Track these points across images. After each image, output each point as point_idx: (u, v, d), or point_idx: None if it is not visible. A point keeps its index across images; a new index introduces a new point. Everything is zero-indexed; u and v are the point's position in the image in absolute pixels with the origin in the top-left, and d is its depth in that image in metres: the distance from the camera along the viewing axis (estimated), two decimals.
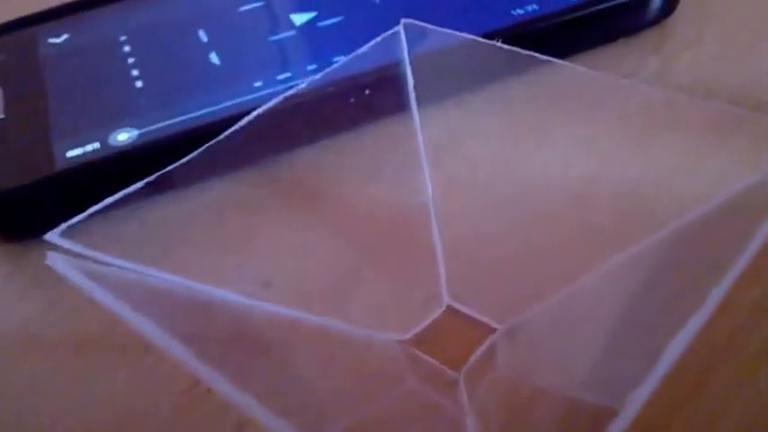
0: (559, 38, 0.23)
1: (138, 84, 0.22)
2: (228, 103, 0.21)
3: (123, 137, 0.20)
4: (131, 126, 0.21)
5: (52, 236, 0.14)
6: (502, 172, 0.19)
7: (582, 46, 0.23)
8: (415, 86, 0.19)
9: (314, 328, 0.16)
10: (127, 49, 0.24)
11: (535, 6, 0.23)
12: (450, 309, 0.17)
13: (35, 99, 0.22)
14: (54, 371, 0.17)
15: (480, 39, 0.18)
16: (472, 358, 0.15)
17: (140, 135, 0.20)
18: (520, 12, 0.23)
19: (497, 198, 0.19)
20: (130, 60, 0.23)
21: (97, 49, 0.24)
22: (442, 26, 0.22)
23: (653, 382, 0.10)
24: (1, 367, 0.18)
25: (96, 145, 0.20)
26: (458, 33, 0.18)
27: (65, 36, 0.25)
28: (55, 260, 0.14)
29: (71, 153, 0.20)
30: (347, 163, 0.21)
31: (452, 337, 0.16)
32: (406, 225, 0.18)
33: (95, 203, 0.19)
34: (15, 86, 0.23)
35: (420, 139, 0.19)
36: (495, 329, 0.16)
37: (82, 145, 0.20)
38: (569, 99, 0.19)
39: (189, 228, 0.20)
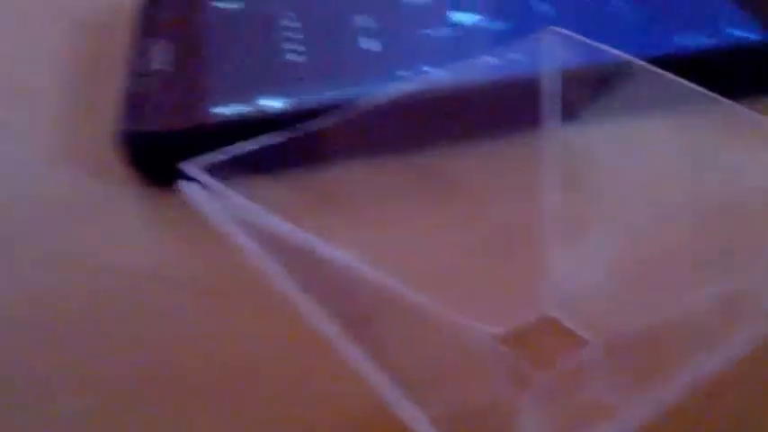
0: (725, 75, 0.22)
1: (293, 56, 0.23)
2: (374, 88, 0.22)
3: (272, 103, 0.22)
4: (281, 95, 0.22)
5: (187, 166, 0.15)
6: (626, 196, 0.19)
7: (748, 89, 0.22)
8: (557, 99, 0.19)
9: (415, 306, 0.16)
10: (288, 22, 0.25)
11: (703, 37, 0.22)
12: (548, 317, 0.17)
13: (196, 56, 0.24)
14: (181, 308, 0.18)
15: (631, 57, 0.18)
16: (559, 365, 0.15)
17: (288, 104, 0.22)
18: (683, 41, 0.22)
19: (616, 219, 0.19)
20: (289, 33, 0.24)
21: (261, 18, 0.25)
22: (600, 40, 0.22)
23: None
24: (133, 302, 0.19)
25: (246, 107, 0.22)
26: (605, 47, 0.18)
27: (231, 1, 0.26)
28: (188, 188, 0.15)
29: (222, 110, 0.22)
30: (480, 164, 0.21)
31: (544, 343, 0.16)
32: (523, 228, 0.19)
33: None
34: (184, 43, 0.25)
35: (554, 150, 0.19)
36: (587, 342, 0.16)
37: (233, 104, 0.22)
38: (722, 135, 0.18)
39: (315, 201, 0.20)
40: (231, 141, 0.21)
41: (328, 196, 0.21)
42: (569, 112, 0.20)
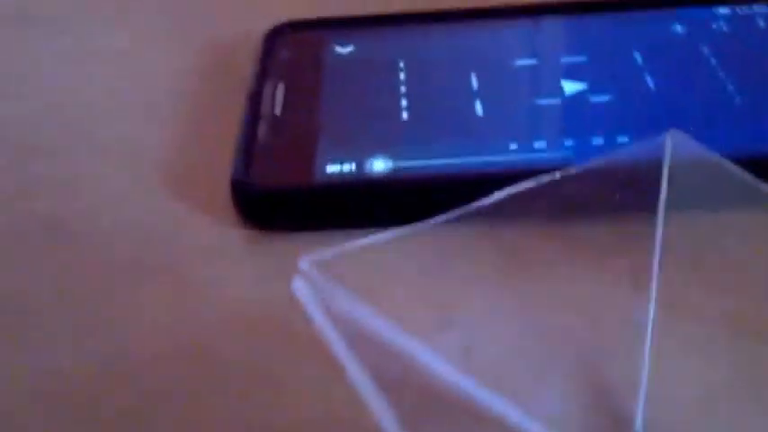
0: None
1: (404, 115, 0.24)
2: (482, 159, 0.22)
3: (379, 165, 0.22)
4: (389, 156, 0.22)
5: (303, 263, 0.16)
6: (734, 303, 0.19)
7: None
8: (667, 196, 0.19)
9: (496, 414, 0.16)
10: (402, 76, 0.25)
11: None
12: None
13: (310, 104, 0.24)
14: (268, 355, 0.19)
15: (744, 172, 0.18)
16: None
17: (395, 168, 0.22)
18: None
19: (720, 332, 0.18)
20: (402, 89, 0.25)
21: (375, 69, 0.26)
22: (710, 132, 0.21)
23: None
24: (225, 343, 0.20)
25: (353, 167, 0.22)
26: (723, 159, 0.18)
27: (350, 48, 0.27)
28: (299, 287, 0.16)
29: (330, 169, 0.22)
30: (578, 248, 0.21)
31: None
32: (617, 334, 0.19)
33: (338, 220, 0.20)
34: (296, 86, 0.25)
35: (658, 249, 0.19)
36: None
37: (341, 163, 0.22)
38: None
39: (413, 269, 0.21)
40: (336, 204, 0.22)
41: (440, 297, 0.21)
42: (674, 206, 0.20)
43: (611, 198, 0.21)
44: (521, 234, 0.21)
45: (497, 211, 0.19)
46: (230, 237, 0.22)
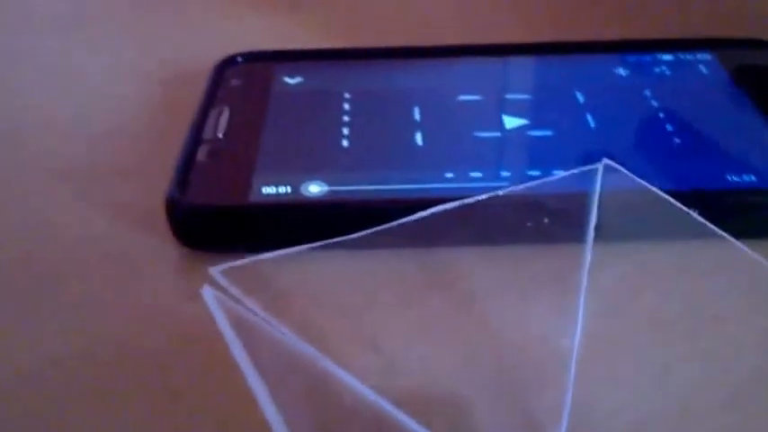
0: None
1: (344, 143, 0.24)
2: (417, 186, 0.22)
3: (314, 189, 0.22)
4: (324, 181, 0.22)
5: (214, 271, 0.16)
6: (660, 338, 0.19)
7: None
8: (596, 226, 0.19)
9: None
10: (346, 106, 0.25)
11: (753, 178, 0.22)
12: None
13: (253, 129, 0.24)
14: (191, 377, 0.19)
15: (674, 202, 0.18)
16: None
17: (330, 191, 0.22)
18: (735, 179, 0.22)
19: (647, 366, 0.18)
20: (345, 118, 0.25)
21: (320, 100, 0.26)
22: (646, 168, 0.22)
23: None
24: (150, 366, 0.19)
25: (288, 189, 0.22)
26: (655, 190, 0.18)
27: (298, 79, 0.27)
28: (207, 294, 0.15)
29: (266, 190, 0.22)
30: (507, 275, 0.21)
31: None
32: (542, 358, 0.18)
33: (272, 241, 0.20)
34: (240, 111, 0.25)
35: (585, 279, 0.19)
36: None
37: (277, 185, 0.22)
38: (748, 286, 0.18)
39: (339, 290, 0.21)
40: (269, 223, 0.22)
41: (351, 284, 0.21)
42: (604, 236, 0.20)
43: (540, 223, 0.21)
44: (448, 256, 0.21)
45: (424, 231, 0.19)
46: (163, 255, 0.22)
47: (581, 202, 0.19)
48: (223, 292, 0.16)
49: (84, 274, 0.21)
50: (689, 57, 0.27)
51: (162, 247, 0.22)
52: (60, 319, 0.20)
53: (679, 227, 0.20)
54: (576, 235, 0.19)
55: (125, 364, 0.19)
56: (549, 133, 0.24)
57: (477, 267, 0.21)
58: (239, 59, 0.28)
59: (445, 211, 0.19)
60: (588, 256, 0.19)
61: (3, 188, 0.25)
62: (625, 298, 0.20)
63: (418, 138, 0.24)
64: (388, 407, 0.16)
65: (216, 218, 0.22)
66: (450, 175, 0.22)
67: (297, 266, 0.19)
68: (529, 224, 0.20)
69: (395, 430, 0.16)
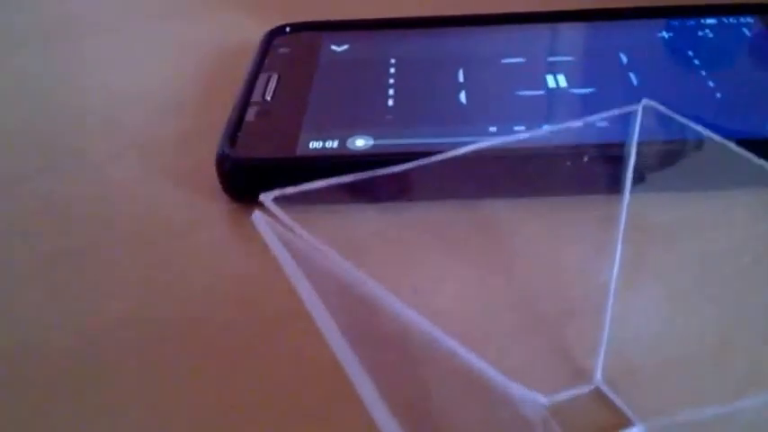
0: None
1: (390, 102, 0.24)
2: (462, 140, 0.22)
3: (360, 143, 0.22)
4: (370, 135, 0.23)
5: (265, 197, 0.16)
6: (701, 278, 0.19)
7: None
8: (636, 169, 0.19)
9: (463, 363, 0.16)
10: (392, 70, 0.26)
11: None
12: (597, 390, 0.16)
13: (300, 91, 0.25)
14: (245, 327, 0.19)
15: (717, 137, 0.18)
16: None
17: (374, 145, 0.22)
18: None
19: (682, 300, 0.18)
20: (390, 81, 0.25)
21: (366, 65, 0.26)
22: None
23: None
24: (205, 318, 0.20)
25: (334, 143, 0.22)
26: (695, 126, 0.18)
27: (345, 47, 0.27)
28: (258, 219, 0.16)
29: (312, 144, 0.22)
30: (545, 223, 0.21)
31: (590, 417, 0.16)
32: (580, 297, 0.18)
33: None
34: (289, 77, 0.26)
35: (623, 219, 0.19)
36: (634, 424, 0.15)
37: (323, 140, 0.22)
38: None
39: (381, 238, 0.21)
40: (316, 175, 0.22)
41: (393, 237, 0.21)
42: (649, 181, 0.20)
43: (581, 172, 0.21)
44: (489, 207, 0.21)
45: (466, 181, 0.20)
46: (215, 211, 0.23)
47: (623, 150, 0.19)
48: (274, 219, 0.16)
49: (145, 233, 0.22)
50: (732, 20, 0.27)
51: (213, 205, 0.23)
52: (125, 274, 0.21)
53: (722, 174, 0.20)
54: (617, 185, 0.19)
55: (182, 313, 0.20)
56: (591, 90, 0.24)
57: (518, 216, 0.21)
58: (287, 29, 0.29)
59: (486, 159, 0.20)
60: (627, 196, 0.19)
61: (75, 156, 0.26)
62: (665, 242, 0.20)
63: (462, 96, 0.24)
64: (436, 331, 0.16)
65: (264, 171, 0.22)
66: (493, 128, 0.22)
67: (342, 212, 0.20)
68: (570, 173, 0.21)
69: (442, 353, 0.16)
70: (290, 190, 0.17)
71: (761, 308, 0.18)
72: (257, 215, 0.16)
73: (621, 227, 0.18)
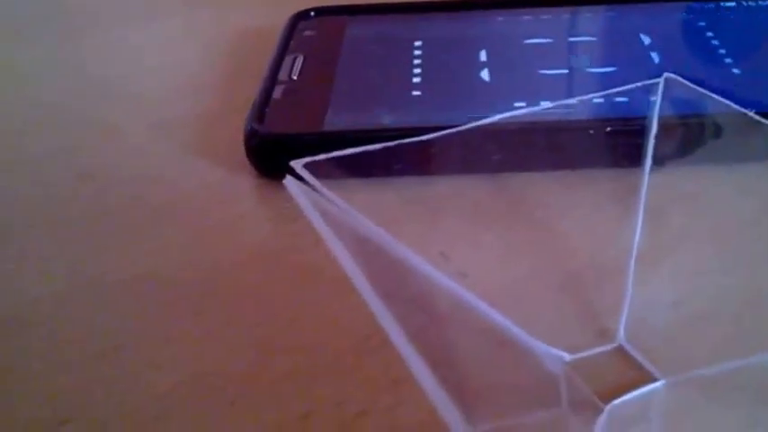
0: None
1: (415, 80, 0.25)
2: (487, 115, 0.22)
3: (386, 119, 0.23)
4: (396, 111, 0.23)
5: (296, 164, 0.17)
6: (715, 243, 0.19)
7: None
8: (658, 142, 0.19)
9: (488, 323, 0.17)
10: (416, 52, 0.26)
11: None
12: (621, 348, 0.17)
13: (326, 71, 0.26)
14: (272, 285, 0.20)
15: (737, 107, 0.18)
16: (623, 397, 0.15)
17: (400, 120, 0.23)
18: None
19: (703, 265, 0.19)
20: (416, 62, 0.26)
21: (390, 47, 0.27)
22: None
23: None
24: (233, 279, 0.20)
25: (362, 119, 0.23)
26: (719, 98, 0.19)
27: (369, 29, 0.28)
28: (290, 183, 0.16)
29: (339, 120, 0.23)
30: (570, 195, 0.21)
31: (612, 374, 0.16)
32: (603, 263, 0.19)
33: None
34: (315, 57, 0.26)
35: (645, 187, 0.19)
36: (655, 378, 0.16)
37: (350, 116, 0.23)
38: None
39: (408, 209, 0.21)
40: (343, 147, 0.23)
41: (421, 207, 0.22)
42: (671, 156, 0.20)
43: (604, 146, 0.21)
44: (514, 180, 0.22)
45: (491, 154, 0.20)
46: (244, 185, 0.24)
47: (645, 123, 0.20)
48: (303, 184, 0.17)
49: (177, 208, 0.23)
50: (752, 3, 0.27)
51: (241, 179, 0.24)
52: (155, 240, 0.22)
53: (742, 147, 0.21)
54: (640, 158, 0.20)
55: (214, 280, 0.20)
56: (614, 69, 0.24)
57: (543, 188, 0.22)
58: (312, 13, 0.29)
59: (511, 132, 0.20)
60: (648, 165, 0.19)
61: (107, 132, 0.27)
62: (686, 211, 0.20)
63: (485, 74, 0.25)
64: (462, 292, 0.17)
65: (291, 145, 0.23)
66: (519, 104, 0.23)
67: (370, 185, 0.21)
68: (594, 146, 0.21)
69: (468, 314, 0.17)
70: (320, 157, 0.17)
71: None
72: (289, 179, 0.16)
73: (643, 194, 0.19)
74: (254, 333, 0.18)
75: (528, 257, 0.20)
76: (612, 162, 0.21)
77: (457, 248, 0.20)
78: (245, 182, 0.24)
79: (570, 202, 0.21)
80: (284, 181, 0.16)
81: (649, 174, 0.19)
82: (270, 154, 0.23)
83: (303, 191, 0.16)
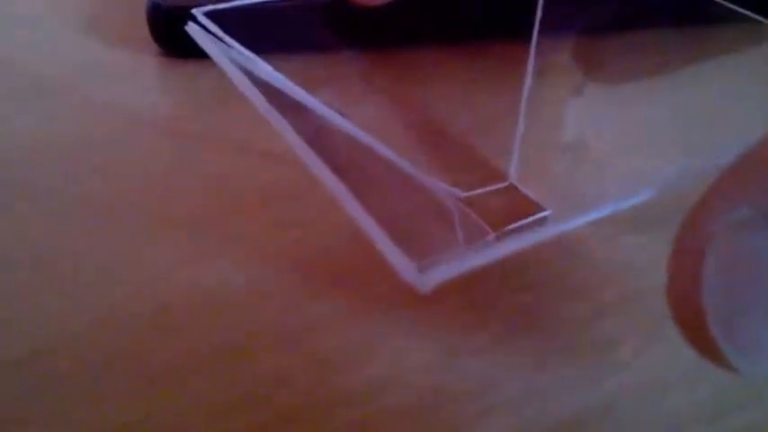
0: None
1: None
2: None
3: None
4: None
5: (197, 11, 0.17)
6: (600, 95, 0.20)
7: None
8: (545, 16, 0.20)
9: (386, 162, 0.18)
10: None
11: None
12: (511, 186, 0.18)
13: None
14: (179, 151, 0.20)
15: None
16: (511, 226, 0.17)
17: None
18: None
19: (589, 113, 0.20)
20: None
21: None
22: None
23: None
24: (142, 144, 0.21)
25: None
26: None
27: None
28: (193, 29, 0.17)
29: None
30: (461, 65, 0.22)
31: (503, 208, 0.17)
32: (494, 115, 0.20)
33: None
34: None
35: (537, 24, 0.20)
36: (545, 209, 0.17)
37: None
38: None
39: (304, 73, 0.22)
40: (243, 23, 0.23)
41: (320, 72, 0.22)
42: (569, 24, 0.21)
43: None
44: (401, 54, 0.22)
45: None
46: (147, 63, 0.23)
47: None
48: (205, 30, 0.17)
49: (82, 85, 0.23)
50: None
51: (144, 57, 0.24)
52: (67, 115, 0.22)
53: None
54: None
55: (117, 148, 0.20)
56: None
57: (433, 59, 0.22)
58: None
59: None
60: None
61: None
62: (571, 73, 0.21)
63: None
64: (366, 135, 0.17)
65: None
66: None
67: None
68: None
69: (373, 156, 0.18)
70: (222, 5, 0.17)
71: (664, 118, 0.19)
72: (192, 26, 0.17)
73: (533, 47, 0.20)
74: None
75: (419, 114, 0.21)
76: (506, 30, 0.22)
77: (352, 107, 0.21)
78: (149, 59, 0.24)
79: (463, 71, 0.22)
80: (186, 27, 0.17)
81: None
82: (170, 29, 0.23)
83: (208, 38, 0.17)
